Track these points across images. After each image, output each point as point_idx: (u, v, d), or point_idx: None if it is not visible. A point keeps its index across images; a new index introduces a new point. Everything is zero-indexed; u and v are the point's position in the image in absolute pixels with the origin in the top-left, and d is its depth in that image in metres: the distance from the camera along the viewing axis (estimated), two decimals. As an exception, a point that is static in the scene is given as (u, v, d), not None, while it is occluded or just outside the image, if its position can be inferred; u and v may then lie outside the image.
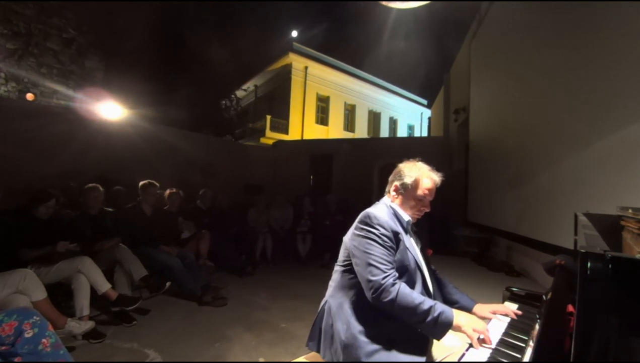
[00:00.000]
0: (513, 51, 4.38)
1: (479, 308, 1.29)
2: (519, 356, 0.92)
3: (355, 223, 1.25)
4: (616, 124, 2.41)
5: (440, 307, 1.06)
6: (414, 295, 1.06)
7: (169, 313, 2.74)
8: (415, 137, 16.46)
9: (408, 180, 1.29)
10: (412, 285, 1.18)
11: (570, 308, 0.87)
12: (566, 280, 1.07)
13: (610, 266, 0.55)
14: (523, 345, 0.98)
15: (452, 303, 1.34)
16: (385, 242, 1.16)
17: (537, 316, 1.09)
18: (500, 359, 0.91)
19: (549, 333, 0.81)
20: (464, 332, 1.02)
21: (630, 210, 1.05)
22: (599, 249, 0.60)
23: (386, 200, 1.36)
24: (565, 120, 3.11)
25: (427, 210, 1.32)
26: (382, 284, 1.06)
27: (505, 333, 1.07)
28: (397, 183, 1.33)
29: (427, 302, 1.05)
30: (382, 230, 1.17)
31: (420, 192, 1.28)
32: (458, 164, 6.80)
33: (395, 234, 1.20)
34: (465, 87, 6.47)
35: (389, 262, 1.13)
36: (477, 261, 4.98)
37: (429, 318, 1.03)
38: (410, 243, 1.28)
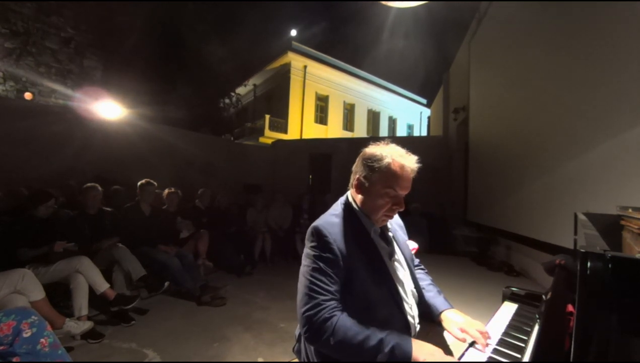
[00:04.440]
0: (513, 50, 4.38)
1: (450, 314, 1.07)
2: (519, 356, 0.92)
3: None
4: (616, 123, 2.41)
5: (392, 338, 0.85)
6: (356, 329, 0.85)
7: (168, 313, 2.74)
8: (414, 136, 16.40)
9: (370, 171, 0.99)
10: (383, 319, 0.95)
11: (570, 308, 0.87)
12: (566, 280, 1.06)
13: (610, 266, 0.55)
14: (523, 345, 0.98)
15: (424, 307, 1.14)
16: (329, 266, 0.93)
17: (537, 316, 1.09)
18: (500, 359, 0.91)
19: (549, 333, 0.81)
20: None
21: (630, 210, 1.05)
22: (598, 249, 0.59)
23: (346, 199, 1.09)
24: (566, 119, 3.11)
25: (401, 209, 1.01)
26: (314, 321, 0.87)
27: (505, 333, 1.06)
28: (358, 175, 1.03)
29: (376, 335, 0.85)
30: (326, 254, 0.93)
31: (389, 185, 0.96)
32: (458, 163, 6.79)
33: (351, 252, 0.96)
34: (464, 86, 6.48)
35: (328, 292, 0.90)
36: (476, 261, 4.98)
37: (380, 355, 0.83)
38: (380, 258, 1.02)
